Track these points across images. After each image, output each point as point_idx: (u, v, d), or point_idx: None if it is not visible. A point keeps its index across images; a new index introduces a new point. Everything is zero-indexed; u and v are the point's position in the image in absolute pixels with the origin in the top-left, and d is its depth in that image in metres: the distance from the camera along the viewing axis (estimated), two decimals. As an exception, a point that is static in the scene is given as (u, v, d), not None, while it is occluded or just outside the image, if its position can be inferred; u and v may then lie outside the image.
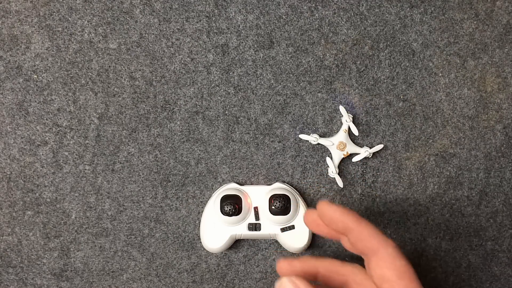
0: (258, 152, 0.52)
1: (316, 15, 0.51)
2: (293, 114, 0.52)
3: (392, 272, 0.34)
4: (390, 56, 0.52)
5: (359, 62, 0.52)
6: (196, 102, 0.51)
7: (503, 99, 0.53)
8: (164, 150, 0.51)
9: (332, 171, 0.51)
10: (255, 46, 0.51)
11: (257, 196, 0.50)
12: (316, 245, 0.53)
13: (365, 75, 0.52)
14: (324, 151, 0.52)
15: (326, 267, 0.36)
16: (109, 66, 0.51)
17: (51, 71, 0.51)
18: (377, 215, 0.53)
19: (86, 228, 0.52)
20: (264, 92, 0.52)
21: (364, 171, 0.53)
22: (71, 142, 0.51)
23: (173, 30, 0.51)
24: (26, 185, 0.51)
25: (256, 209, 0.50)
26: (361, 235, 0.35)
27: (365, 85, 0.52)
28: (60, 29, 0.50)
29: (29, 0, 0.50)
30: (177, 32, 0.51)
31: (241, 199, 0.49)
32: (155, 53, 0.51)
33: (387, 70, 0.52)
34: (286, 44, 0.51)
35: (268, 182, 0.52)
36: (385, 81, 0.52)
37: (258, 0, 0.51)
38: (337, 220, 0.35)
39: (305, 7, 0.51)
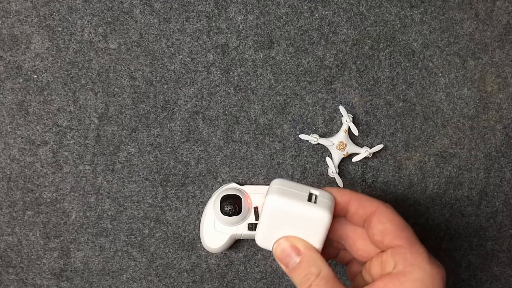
0: (258, 152, 0.52)
1: (316, 15, 0.51)
2: (293, 114, 0.52)
3: (393, 225, 0.35)
4: (390, 56, 0.52)
5: (359, 62, 0.52)
6: (196, 102, 0.51)
7: (503, 99, 0.53)
8: (164, 150, 0.51)
9: (332, 171, 0.51)
10: (255, 46, 0.51)
11: (257, 196, 0.50)
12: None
13: (365, 75, 0.52)
14: (324, 151, 0.52)
15: (358, 197, 0.37)
16: (109, 66, 0.51)
17: (51, 71, 0.51)
18: (377, 215, 0.53)
19: (86, 228, 0.52)
20: (264, 92, 0.52)
21: (364, 171, 0.53)
22: (71, 142, 0.51)
23: (173, 30, 0.51)
24: (26, 185, 0.51)
25: (256, 209, 0.50)
26: (360, 201, 0.37)
27: (365, 85, 0.52)
28: (60, 29, 0.50)
29: (29, 0, 0.50)
30: (177, 32, 0.51)
31: (241, 199, 0.49)
32: (155, 53, 0.51)
33: (387, 70, 0.52)
34: (286, 44, 0.51)
35: (268, 182, 0.52)
36: (385, 81, 0.52)
37: (258, 0, 0.51)
38: (336, 196, 0.37)
39: (305, 7, 0.51)
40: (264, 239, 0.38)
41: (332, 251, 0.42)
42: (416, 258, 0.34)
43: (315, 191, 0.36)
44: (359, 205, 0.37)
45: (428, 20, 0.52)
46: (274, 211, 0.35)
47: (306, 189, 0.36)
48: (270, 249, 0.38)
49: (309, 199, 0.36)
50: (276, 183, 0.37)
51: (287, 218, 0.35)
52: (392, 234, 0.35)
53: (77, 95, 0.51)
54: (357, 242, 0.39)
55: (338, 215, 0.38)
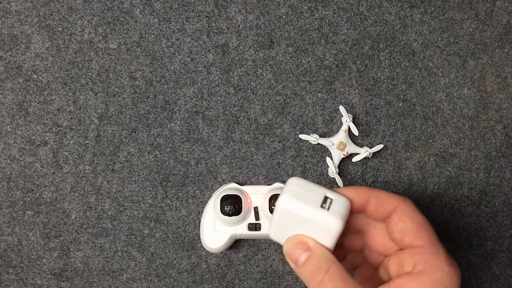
0: (258, 152, 0.52)
1: (316, 15, 0.51)
2: (293, 114, 0.52)
3: (414, 224, 0.34)
4: (390, 56, 0.52)
5: (359, 62, 0.52)
6: (196, 102, 0.51)
7: (503, 99, 0.53)
8: (164, 150, 0.51)
9: (332, 171, 0.51)
10: (255, 46, 0.51)
11: (257, 196, 0.50)
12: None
13: (365, 75, 0.52)
14: (324, 151, 0.52)
15: (377, 195, 0.36)
16: (109, 66, 0.51)
17: (51, 71, 0.51)
18: (377, 215, 0.53)
19: (86, 228, 0.52)
20: (264, 92, 0.52)
21: (364, 171, 0.53)
22: (71, 142, 0.51)
23: (173, 30, 0.51)
24: (26, 185, 0.51)
25: (256, 209, 0.50)
26: (379, 200, 0.35)
27: (365, 85, 0.52)
28: (60, 29, 0.50)
29: (29, 0, 0.50)
30: (177, 32, 0.51)
31: (241, 199, 0.49)
32: (155, 53, 0.51)
33: (387, 70, 0.52)
34: (286, 44, 0.51)
35: (268, 182, 0.52)
36: (385, 81, 0.52)
37: (258, 0, 0.51)
38: (354, 196, 0.36)
39: (305, 7, 0.51)
40: (276, 234, 0.38)
41: (339, 254, 0.41)
42: (436, 260, 0.34)
43: (331, 195, 0.35)
44: (378, 203, 0.36)
45: (428, 20, 0.52)
46: (286, 212, 0.35)
47: (321, 192, 0.36)
48: (282, 243, 0.37)
49: (323, 203, 0.35)
50: (292, 183, 0.36)
51: (298, 220, 0.35)
52: (412, 234, 0.34)
53: (77, 95, 0.51)
54: (376, 238, 0.37)
55: (357, 212, 0.37)
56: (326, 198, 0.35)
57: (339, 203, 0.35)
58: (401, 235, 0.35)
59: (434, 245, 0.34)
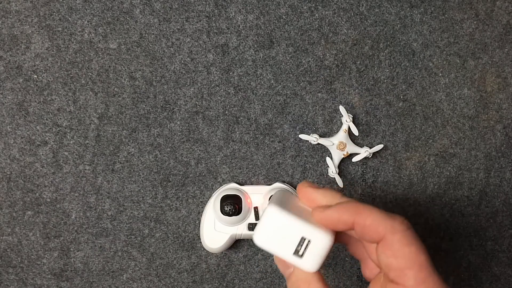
0: (258, 152, 0.52)
1: (316, 15, 0.51)
2: (293, 114, 0.52)
3: (399, 260, 0.31)
4: (390, 56, 0.52)
5: (359, 62, 0.52)
6: (196, 102, 0.51)
7: (503, 99, 0.53)
8: (164, 150, 0.51)
9: (332, 171, 0.51)
10: (255, 46, 0.51)
11: (257, 196, 0.50)
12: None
13: (365, 75, 0.52)
14: (324, 151, 0.52)
15: (362, 222, 0.33)
16: (109, 66, 0.51)
17: (51, 71, 0.51)
18: (377, 215, 0.53)
19: (86, 228, 0.52)
20: (264, 92, 0.52)
21: (364, 171, 0.53)
22: (71, 142, 0.51)
23: (173, 30, 0.51)
24: (26, 185, 0.51)
25: (256, 209, 0.50)
26: (364, 227, 0.32)
27: (365, 85, 0.52)
28: (60, 29, 0.50)
29: (29, 0, 0.50)
30: (177, 32, 0.51)
31: (241, 199, 0.49)
32: (155, 53, 0.51)
33: (387, 70, 0.52)
34: (286, 44, 0.51)
35: (268, 182, 0.52)
36: (385, 81, 0.52)
37: (258, 0, 0.51)
38: (337, 222, 0.33)
39: (305, 7, 0.51)
40: None
41: (339, 238, 0.38)
42: None
43: (309, 235, 0.32)
44: (363, 231, 0.33)
45: (428, 20, 0.52)
46: (263, 247, 0.34)
47: (299, 231, 0.33)
48: None
49: (300, 245, 0.33)
50: (269, 213, 0.33)
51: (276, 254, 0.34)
52: (395, 271, 0.31)
53: (77, 95, 0.51)
54: (371, 254, 0.35)
55: (346, 230, 0.36)
56: (302, 239, 0.33)
57: (317, 243, 0.33)
58: (385, 269, 0.32)
59: (420, 284, 0.31)
